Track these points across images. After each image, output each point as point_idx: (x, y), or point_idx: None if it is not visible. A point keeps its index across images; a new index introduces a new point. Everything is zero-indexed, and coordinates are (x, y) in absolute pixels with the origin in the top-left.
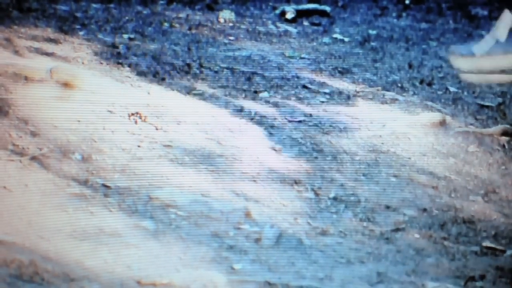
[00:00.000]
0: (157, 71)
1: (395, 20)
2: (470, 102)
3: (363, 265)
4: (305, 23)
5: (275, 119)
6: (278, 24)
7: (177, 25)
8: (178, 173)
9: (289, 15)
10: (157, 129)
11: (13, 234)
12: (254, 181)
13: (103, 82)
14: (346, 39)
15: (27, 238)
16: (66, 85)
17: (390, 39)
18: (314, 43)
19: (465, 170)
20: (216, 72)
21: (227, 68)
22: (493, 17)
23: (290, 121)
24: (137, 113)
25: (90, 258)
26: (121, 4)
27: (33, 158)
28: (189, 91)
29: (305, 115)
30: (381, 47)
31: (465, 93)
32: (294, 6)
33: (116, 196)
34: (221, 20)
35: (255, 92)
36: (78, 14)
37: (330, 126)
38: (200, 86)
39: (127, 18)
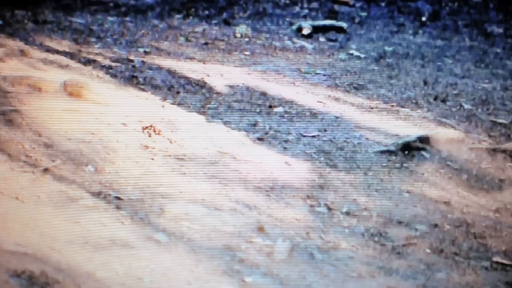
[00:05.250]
0: (172, 85)
1: (411, 37)
2: (483, 119)
3: (374, 279)
4: (322, 39)
5: (289, 133)
6: (295, 39)
7: (193, 39)
8: (191, 187)
9: (305, 31)
10: (171, 142)
11: (25, 245)
12: (268, 195)
13: (118, 95)
14: (362, 56)
15: (38, 249)
16: (80, 97)
17: (406, 56)
18: (330, 59)
19: (478, 186)
20: (231, 86)
21: (242, 83)
22: (508, 35)
23: (304, 136)
24: (151, 126)
25: (101, 270)
26: (137, 17)
27: (46, 169)
28: (203, 105)
29: (319, 130)
30: (396, 64)
31: (479, 110)
32: (311, 22)
33: (128, 208)
34: (238, 35)
35: (270, 106)
36: (94, 27)
37: (344, 141)
38: (215, 100)
39: (143, 31)
